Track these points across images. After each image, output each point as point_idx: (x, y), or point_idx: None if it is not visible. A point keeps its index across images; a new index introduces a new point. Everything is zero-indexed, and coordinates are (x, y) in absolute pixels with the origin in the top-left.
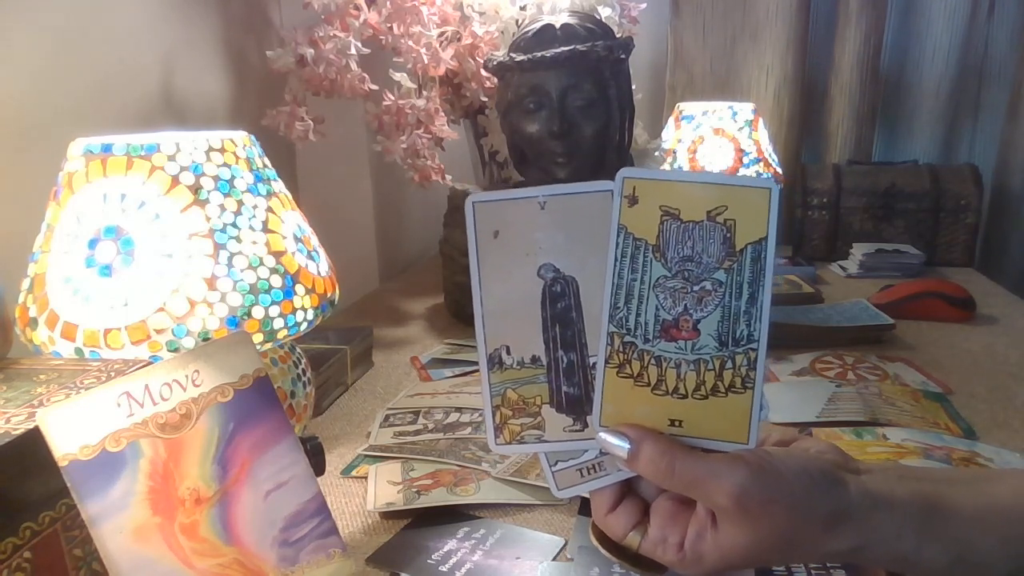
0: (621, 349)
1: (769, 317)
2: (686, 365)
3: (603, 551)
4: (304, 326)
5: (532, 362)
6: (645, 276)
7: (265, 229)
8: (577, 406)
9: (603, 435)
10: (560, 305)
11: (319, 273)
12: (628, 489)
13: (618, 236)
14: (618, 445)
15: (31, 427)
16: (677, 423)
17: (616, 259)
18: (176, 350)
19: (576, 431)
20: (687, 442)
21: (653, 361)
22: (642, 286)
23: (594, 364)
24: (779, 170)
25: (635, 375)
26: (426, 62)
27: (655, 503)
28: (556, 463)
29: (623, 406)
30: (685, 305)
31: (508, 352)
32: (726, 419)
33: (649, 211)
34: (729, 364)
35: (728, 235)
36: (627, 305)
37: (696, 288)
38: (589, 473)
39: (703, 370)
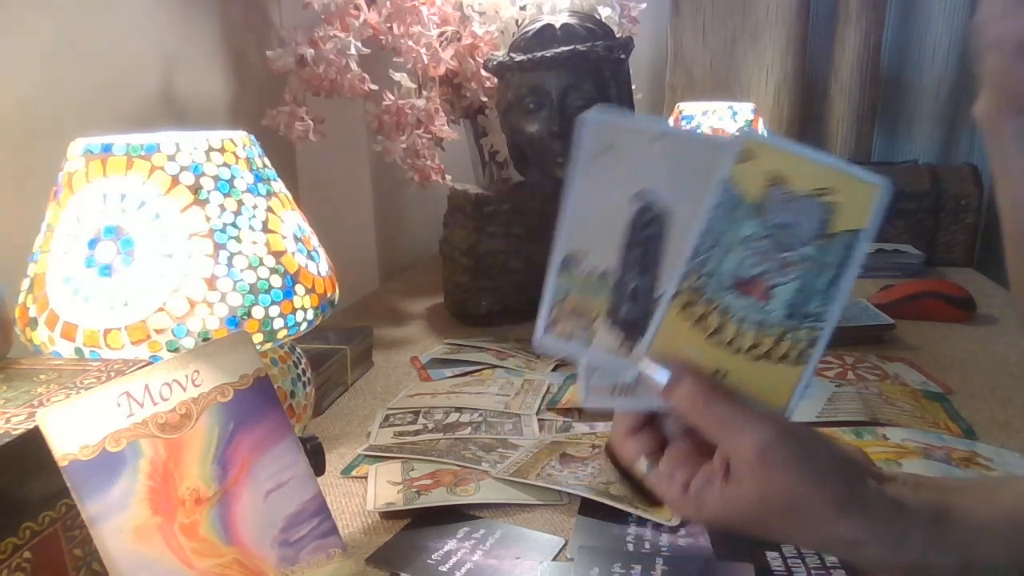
0: (692, 289)
1: (842, 306)
2: (748, 323)
3: (611, 468)
4: (304, 326)
5: (602, 276)
6: (737, 229)
7: (265, 229)
8: (631, 329)
9: (647, 362)
10: (647, 232)
11: (319, 273)
12: (650, 421)
13: (723, 185)
14: (660, 374)
15: (31, 427)
16: (721, 374)
17: (714, 205)
18: (176, 350)
19: (622, 352)
20: None
21: (718, 309)
22: (731, 238)
23: (660, 296)
24: None
25: (696, 317)
26: (426, 62)
27: (674, 442)
28: (593, 373)
29: (674, 343)
30: (767, 267)
31: (582, 259)
32: (770, 385)
33: (759, 172)
34: (790, 336)
35: (827, 217)
36: (711, 251)
37: (782, 255)
38: (622, 393)
39: (763, 332)
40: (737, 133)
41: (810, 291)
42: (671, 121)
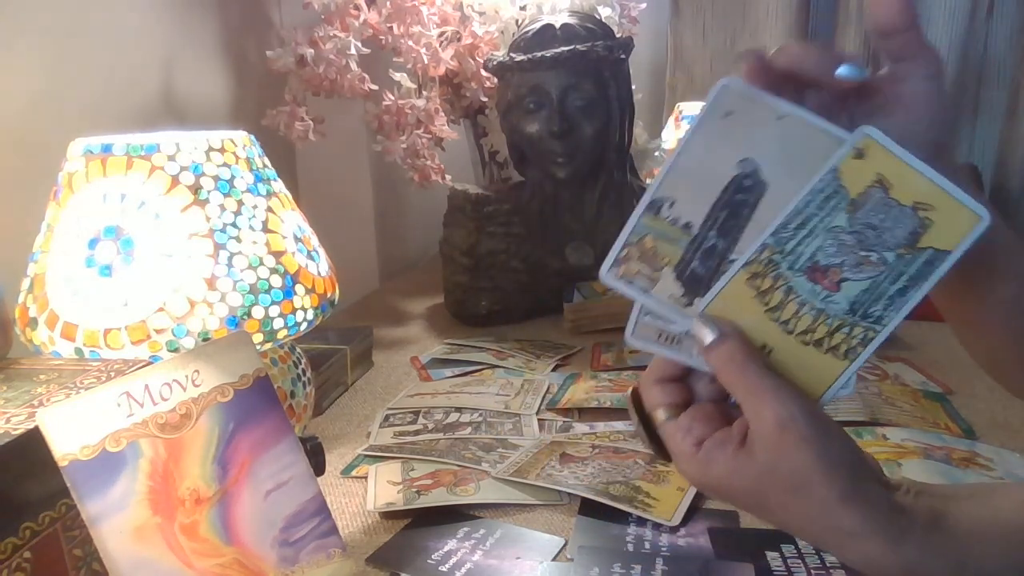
0: (765, 262)
1: (905, 317)
2: (809, 308)
3: (631, 409)
4: (304, 326)
5: (684, 227)
6: (827, 218)
7: (265, 229)
8: (696, 285)
9: (700, 318)
10: (740, 197)
11: (319, 273)
12: (684, 375)
13: (828, 173)
14: (708, 331)
15: (31, 427)
16: (768, 350)
17: (813, 189)
18: (176, 350)
19: (681, 304)
20: None
21: (784, 288)
22: (819, 224)
23: (733, 260)
24: None
25: (761, 290)
26: (426, 62)
27: (700, 403)
28: (645, 315)
29: (732, 308)
30: (844, 261)
31: (670, 206)
32: (811, 373)
33: (866, 170)
34: (846, 330)
35: (919, 229)
36: (796, 231)
37: (863, 253)
38: (666, 341)
39: (820, 320)
40: (861, 128)
41: (878, 294)
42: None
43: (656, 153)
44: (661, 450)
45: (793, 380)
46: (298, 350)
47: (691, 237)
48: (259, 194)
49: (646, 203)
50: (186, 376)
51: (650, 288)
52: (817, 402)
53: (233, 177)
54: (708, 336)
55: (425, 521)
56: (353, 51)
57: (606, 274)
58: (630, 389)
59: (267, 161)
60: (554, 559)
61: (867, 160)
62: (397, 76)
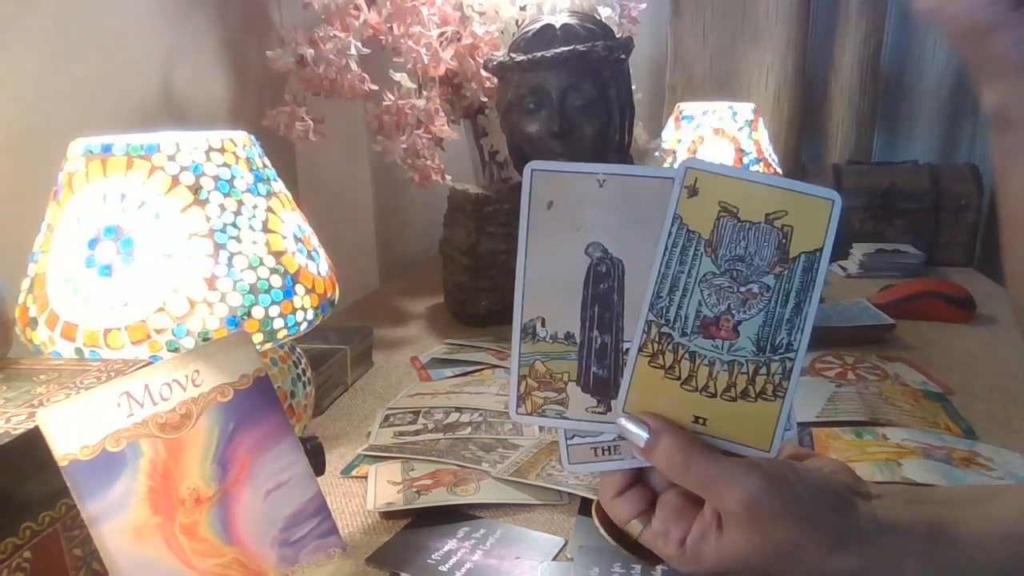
0: (657, 339)
1: (810, 331)
2: (720, 364)
3: (603, 533)
4: (304, 326)
5: (566, 338)
6: (693, 270)
7: (265, 229)
8: (603, 388)
9: (623, 421)
10: (603, 286)
11: (319, 273)
12: (638, 477)
13: (672, 225)
14: (637, 433)
15: (31, 427)
16: (701, 421)
17: (666, 248)
18: (176, 350)
19: (598, 412)
20: (708, 442)
21: (687, 356)
22: (688, 279)
23: (627, 350)
24: (779, 170)
25: (667, 367)
26: (426, 62)
27: (663, 496)
28: (572, 437)
29: (649, 396)
30: (729, 305)
31: (543, 324)
32: (751, 424)
33: (707, 205)
34: (763, 370)
35: (783, 241)
36: (670, 296)
37: (743, 289)
38: (603, 454)
39: (736, 372)
40: (683, 164)
41: (776, 322)
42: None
43: (656, 153)
44: (647, 556)
45: (738, 439)
46: (298, 350)
47: (577, 345)
48: (259, 194)
49: (518, 332)
50: (186, 376)
51: (564, 411)
52: (769, 452)
53: (233, 177)
54: (640, 437)
55: (425, 521)
56: (353, 51)
57: (516, 415)
58: (593, 509)
59: (267, 161)
60: (554, 559)
61: (703, 194)
62: (397, 76)
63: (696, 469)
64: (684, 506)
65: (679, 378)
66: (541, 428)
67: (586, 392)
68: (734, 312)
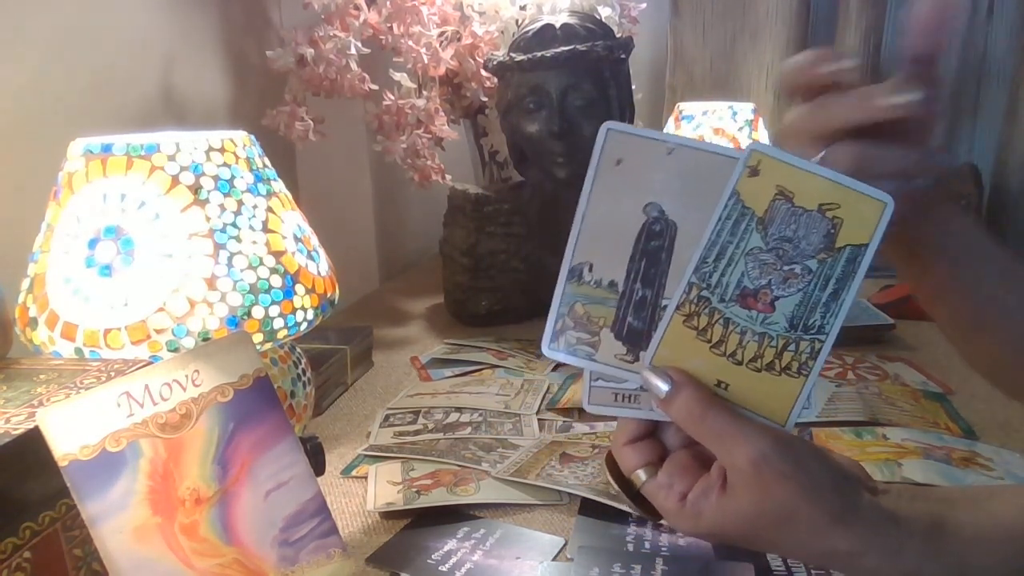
0: (695, 300)
1: (844, 319)
2: (751, 335)
3: (610, 478)
4: (304, 326)
5: (609, 286)
6: (742, 242)
7: (265, 229)
8: (636, 339)
9: (648, 372)
10: (654, 243)
11: (319, 273)
12: (652, 432)
13: (730, 199)
14: (659, 385)
15: (31, 427)
16: (724, 386)
17: (720, 218)
18: (176, 350)
19: (627, 360)
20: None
21: (721, 321)
22: (736, 250)
23: (665, 306)
24: None
25: (700, 328)
26: (426, 62)
27: (674, 454)
28: (597, 380)
29: (678, 353)
30: (770, 280)
31: (591, 269)
32: (772, 397)
33: (766, 186)
34: (792, 347)
35: (832, 231)
36: (716, 263)
37: (786, 268)
38: (623, 400)
39: (765, 344)
40: (747, 145)
41: (812, 304)
42: (681, 133)
43: None
44: (648, 509)
45: (756, 409)
46: (298, 350)
47: (619, 294)
48: (259, 194)
49: (566, 273)
50: (186, 376)
51: (594, 353)
52: (784, 427)
53: (233, 177)
54: (661, 389)
55: (425, 521)
56: (353, 51)
57: (547, 349)
58: (604, 458)
59: (267, 161)
60: (554, 559)
61: (763, 175)
62: (397, 76)
63: (712, 421)
64: (692, 464)
65: (710, 341)
66: (542, 428)
67: (619, 340)
68: (774, 288)
